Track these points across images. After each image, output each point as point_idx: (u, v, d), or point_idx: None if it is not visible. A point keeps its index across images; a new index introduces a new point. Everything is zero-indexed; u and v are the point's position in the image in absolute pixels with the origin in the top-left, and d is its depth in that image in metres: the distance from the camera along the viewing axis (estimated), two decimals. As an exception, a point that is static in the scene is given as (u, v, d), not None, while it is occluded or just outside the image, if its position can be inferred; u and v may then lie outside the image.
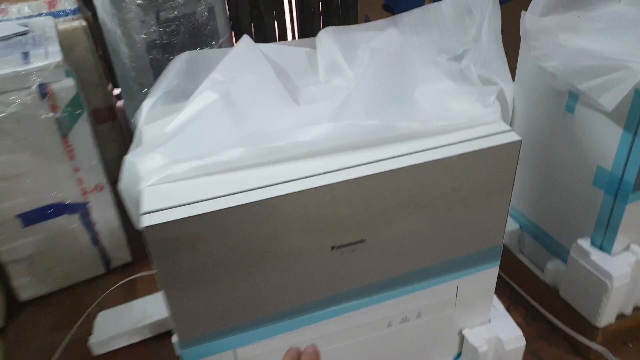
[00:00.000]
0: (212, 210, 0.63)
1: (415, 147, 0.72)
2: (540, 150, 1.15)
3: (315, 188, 0.67)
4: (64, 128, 1.23)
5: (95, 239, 1.44)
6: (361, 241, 0.74)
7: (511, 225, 1.28)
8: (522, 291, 1.25)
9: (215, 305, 0.71)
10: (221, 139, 0.72)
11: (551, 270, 1.17)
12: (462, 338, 0.94)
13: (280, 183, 0.67)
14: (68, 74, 1.20)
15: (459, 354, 0.97)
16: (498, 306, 0.97)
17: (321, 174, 0.68)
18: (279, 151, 0.70)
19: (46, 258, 1.38)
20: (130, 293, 1.42)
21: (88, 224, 1.40)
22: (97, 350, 1.26)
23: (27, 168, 1.23)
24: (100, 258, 1.47)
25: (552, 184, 1.15)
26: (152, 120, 0.81)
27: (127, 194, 0.71)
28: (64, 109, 1.21)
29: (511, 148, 0.75)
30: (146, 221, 0.62)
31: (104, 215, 1.41)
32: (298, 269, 0.72)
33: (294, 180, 0.67)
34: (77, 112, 1.24)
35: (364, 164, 0.69)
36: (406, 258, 0.79)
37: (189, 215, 0.63)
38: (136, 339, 1.28)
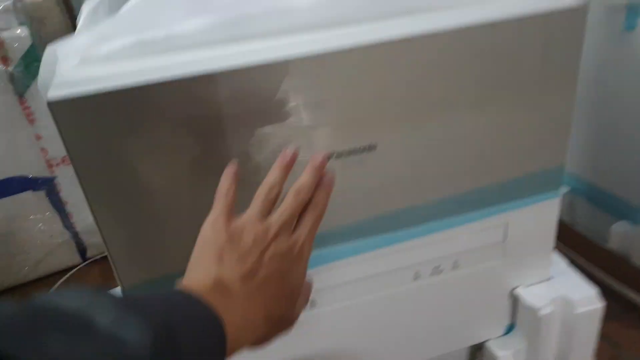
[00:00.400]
0: (146, 83, 0.43)
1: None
2: (593, 89, 0.93)
3: (305, 58, 0.46)
4: (19, 86, 1.05)
5: (66, 222, 1.24)
6: (371, 147, 0.52)
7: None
8: (583, 263, 1.02)
9: (163, 233, 0.49)
10: (176, 15, 0.52)
11: (618, 234, 0.96)
12: (514, 302, 0.71)
13: (251, 53, 0.46)
14: (22, 23, 1.03)
15: (511, 326, 0.74)
16: (559, 262, 0.74)
17: (314, 40, 0.48)
18: (252, 22, 0.50)
19: (10, 243, 1.19)
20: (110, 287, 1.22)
21: (56, 202, 1.20)
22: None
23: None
24: (74, 244, 1.27)
25: (611, 130, 0.93)
26: (92, 22, 0.62)
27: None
28: (18, 62, 1.03)
29: (574, 16, 0.54)
30: (52, 94, 0.42)
31: (75, 193, 1.21)
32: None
33: (273, 49, 0.47)
34: (34, 66, 1.05)
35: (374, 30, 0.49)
36: (434, 177, 0.57)
37: (114, 88, 0.42)
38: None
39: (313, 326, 0.60)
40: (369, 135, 0.52)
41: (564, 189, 1.04)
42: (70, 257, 1.28)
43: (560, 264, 0.74)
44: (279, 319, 0.37)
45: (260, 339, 0.36)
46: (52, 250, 1.24)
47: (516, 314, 0.72)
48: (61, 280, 1.23)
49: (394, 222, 0.58)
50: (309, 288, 0.41)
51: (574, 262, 0.93)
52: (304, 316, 0.41)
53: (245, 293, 0.34)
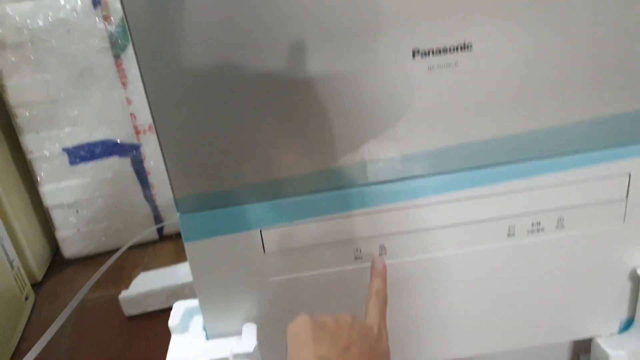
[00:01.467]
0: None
1: None
2: None
3: None
4: (117, 46, 1.08)
5: (148, 194, 1.25)
6: (465, 47, 0.44)
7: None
8: None
9: (225, 143, 0.44)
10: None
11: None
12: (635, 287, 0.57)
13: None
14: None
15: (629, 322, 0.59)
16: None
17: None
18: None
19: (93, 208, 1.22)
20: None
21: (140, 172, 1.22)
22: (129, 309, 1.03)
23: (75, 90, 1.10)
24: (152, 218, 1.28)
25: None
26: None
27: None
28: (119, 22, 1.07)
29: None
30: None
31: (158, 164, 1.23)
32: (353, 91, 0.44)
33: None
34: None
35: None
36: (540, 95, 0.47)
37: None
38: (174, 301, 1.04)
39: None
40: (463, 31, 0.43)
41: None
42: (149, 232, 1.29)
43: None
44: None
45: None
46: (132, 222, 1.26)
47: (636, 305, 0.58)
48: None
49: (488, 153, 0.49)
50: None
51: None
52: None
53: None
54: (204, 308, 0.51)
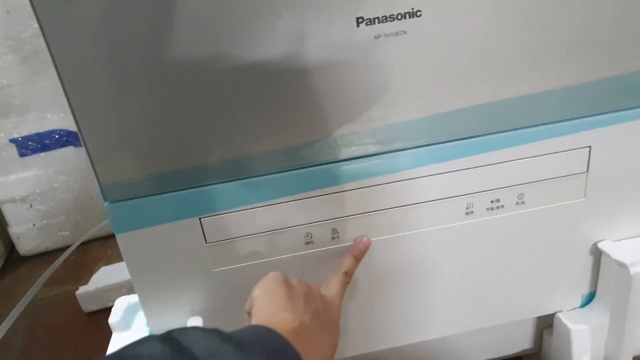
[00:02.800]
0: None
1: None
2: None
3: None
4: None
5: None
6: (414, 14, 0.41)
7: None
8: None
9: (153, 121, 0.40)
10: None
11: None
12: (596, 261, 0.56)
13: None
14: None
15: (591, 297, 0.58)
16: (658, 214, 0.58)
17: None
18: None
19: (48, 201, 1.16)
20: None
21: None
22: (87, 305, 0.99)
23: (20, 76, 1.03)
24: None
25: None
26: None
27: None
28: (63, 4, 1.00)
29: None
30: None
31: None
32: (292, 67, 0.40)
33: None
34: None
35: None
36: (495, 66, 0.44)
37: None
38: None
39: (333, 265, 0.49)
40: (409, -4, 0.40)
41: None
42: (104, 223, 1.24)
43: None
44: (335, 346, 0.41)
45: None
46: (92, 215, 1.21)
47: (597, 279, 0.56)
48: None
49: (442, 129, 0.46)
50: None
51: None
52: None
53: (315, 332, 0.37)
54: (145, 303, 0.47)
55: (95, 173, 0.40)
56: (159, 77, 0.39)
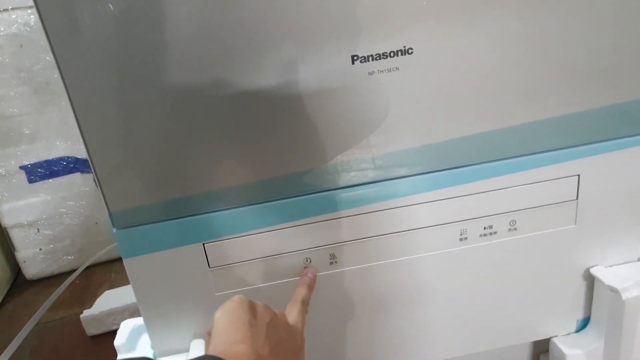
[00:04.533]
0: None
1: None
2: None
3: None
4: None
5: (112, 209, 1.22)
6: (405, 51, 0.43)
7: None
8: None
9: (161, 151, 0.43)
10: None
11: None
12: (590, 287, 0.57)
13: None
14: None
15: (586, 322, 0.59)
16: (651, 240, 0.59)
17: None
18: None
19: (55, 226, 1.19)
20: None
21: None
22: (91, 329, 1.00)
23: (31, 106, 1.07)
24: (118, 233, 1.25)
25: None
26: None
27: None
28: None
29: None
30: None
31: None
32: (288, 101, 0.43)
33: None
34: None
35: None
36: (486, 98, 0.47)
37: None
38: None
39: (332, 289, 0.51)
40: (405, 35, 0.43)
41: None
42: (115, 248, 1.25)
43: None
44: None
45: None
46: (97, 240, 1.23)
47: (591, 304, 0.58)
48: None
49: (436, 158, 0.48)
50: None
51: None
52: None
53: None
54: (150, 326, 0.49)
55: (105, 200, 0.43)
56: (166, 106, 0.41)
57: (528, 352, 0.63)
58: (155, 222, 0.44)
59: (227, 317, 0.36)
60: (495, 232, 0.52)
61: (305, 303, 0.45)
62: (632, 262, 0.56)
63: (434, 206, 0.50)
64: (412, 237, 0.51)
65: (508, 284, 0.55)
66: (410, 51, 0.43)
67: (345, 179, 0.47)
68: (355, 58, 0.43)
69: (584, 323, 0.59)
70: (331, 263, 0.50)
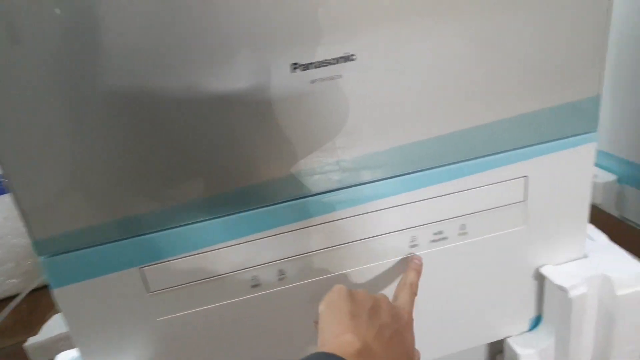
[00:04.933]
0: None
1: None
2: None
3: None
4: None
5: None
6: (347, 58, 0.42)
7: (605, 177, 0.91)
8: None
9: (88, 170, 0.40)
10: None
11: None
12: (540, 286, 0.57)
13: None
14: None
15: (538, 320, 0.60)
16: (598, 237, 0.60)
17: None
18: None
19: (-5, 248, 1.12)
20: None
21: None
22: (37, 357, 0.94)
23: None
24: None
25: None
26: None
27: None
28: None
29: None
30: None
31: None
32: (228, 111, 0.41)
33: None
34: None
35: None
36: (431, 104, 0.46)
37: None
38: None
39: (281, 306, 0.49)
40: (346, 42, 0.41)
41: (610, 177, 0.90)
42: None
43: (599, 238, 0.60)
44: (410, 355, 0.41)
45: None
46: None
47: (543, 303, 0.58)
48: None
49: (384, 165, 0.47)
50: (418, 354, 0.45)
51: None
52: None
53: (381, 349, 0.37)
54: (87, 359, 0.46)
55: (28, 227, 0.39)
56: (95, 121, 0.38)
57: (484, 353, 0.63)
58: (86, 247, 0.41)
59: (329, 310, 0.39)
60: (445, 238, 0.52)
61: (413, 286, 0.47)
62: (579, 259, 0.57)
63: (383, 215, 0.49)
64: (362, 247, 0.50)
65: (460, 288, 0.55)
66: (352, 57, 0.42)
67: (286, 193, 0.46)
68: (295, 66, 0.41)
69: (537, 322, 0.60)
70: (280, 279, 0.48)
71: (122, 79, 0.38)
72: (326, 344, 0.36)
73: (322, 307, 0.39)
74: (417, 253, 0.51)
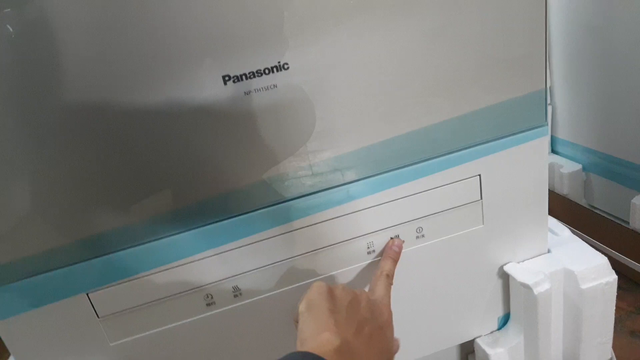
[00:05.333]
0: None
1: None
2: (599, 45, 0.81)
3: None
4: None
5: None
6: (281, 67, 0.41)
7: (570, 167, 0.91)
8: (606, 250, 0.86)
9: (22, 196, 0.39)
10: None
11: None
12: (505, 284, 0.57)
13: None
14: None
15: (506, 318, 0.59)
16: (561, 231, 0.60)
17: None
18: None
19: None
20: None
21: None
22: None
23: None
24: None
25: (627, 89, 0.80)
26: None
27: None
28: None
29: None
30: None
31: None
32: (163, 130, 0.40)
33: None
34: None
35: None
36: (376, 107, 0.45)
37: None
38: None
39: (237, 322, 0.48)
40: (278, 50, 0.41)
41: (575, 167, 0.90)
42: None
43: (562, 232, 0.60)
44: (390, 348, 0.42)
45: None
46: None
47: (510, 301, 0.58)
48: None
49: (334, 173, 0.46)
50: (397, 342, 0.45)
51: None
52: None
53: (360, 345, 0.37)
54: (38, 391, 0.44)
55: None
56: (30, 140, 0.37)
57: (456, 355, 0.62)
58: (27, 277, 0.40)
59: (308, 308, 0.38)
60: (403, 241, 0.51)
61: (390, 276, 0.47)
62: (542, 254, 0.57)
63: (338, 223, 0.48)
64: (319, 257, 0.49)
65: (425, 291, 0.55)
66: (285, 66, 0.41)
67: (237, 206, 0.45)
68: (227, 78, 0.40)
69: (505, 320, 0.59)
70: (235, 296, 0.47)
71: (71, 94, 0.37)
72: (305, 343, 0.36)
73: (302, 307, 0.39)
74: (377, 259, 0.51)
